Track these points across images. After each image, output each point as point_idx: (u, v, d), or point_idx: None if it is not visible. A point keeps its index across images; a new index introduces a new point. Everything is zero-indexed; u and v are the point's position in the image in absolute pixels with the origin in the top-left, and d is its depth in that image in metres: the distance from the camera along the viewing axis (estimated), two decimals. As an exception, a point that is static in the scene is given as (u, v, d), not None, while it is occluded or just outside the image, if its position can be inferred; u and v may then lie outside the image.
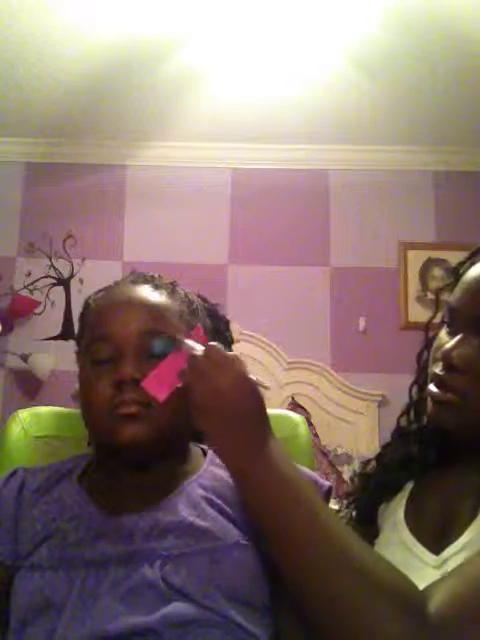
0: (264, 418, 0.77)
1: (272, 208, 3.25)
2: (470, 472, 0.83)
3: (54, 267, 3.11)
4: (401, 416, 0.95)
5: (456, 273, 0.88)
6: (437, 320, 0.91)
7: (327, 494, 0.88)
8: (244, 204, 3.27)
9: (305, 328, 3.12)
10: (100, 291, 0.96)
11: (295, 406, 2.92)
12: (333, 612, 0.69)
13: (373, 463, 0.96)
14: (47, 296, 3.10)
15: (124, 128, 3.13)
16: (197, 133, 3.12)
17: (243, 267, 3.21)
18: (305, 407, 2.94)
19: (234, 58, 2.59)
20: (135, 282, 0.93)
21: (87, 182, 3.26)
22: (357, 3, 2.30)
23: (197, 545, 0.80)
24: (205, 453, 0.94)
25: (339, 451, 2.90)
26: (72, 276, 3.10)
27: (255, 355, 3.01)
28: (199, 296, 1.01)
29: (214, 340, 1.00)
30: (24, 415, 1.10)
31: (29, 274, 3.11)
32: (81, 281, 3.05)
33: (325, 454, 2.86)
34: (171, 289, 0.94)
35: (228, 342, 1.08)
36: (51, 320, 3.05)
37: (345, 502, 0.97)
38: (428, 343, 0.91)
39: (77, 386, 0.91)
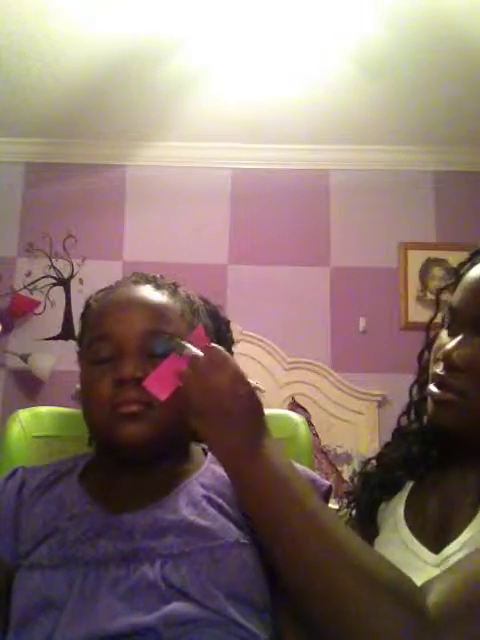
0: (260, 417, 0.78)
1: (272, 208, 3.25)
2: (470, 471, 0.83)
3: (54, 267, 3.10)
4: (402, 416, 0.95)
5: (457, 273, 0.88)
6: (438, 320, 0.91)
7: (327, 493, 0.88)
8: (244, 204, 3.27)
9: (305, 328, 3.12)
10: (101, 291, 0.97)
11: (295, 406, 2.92)
12: (332, 610, 0.69)
13: (373, 462, 0.96)
14: (47, 296, 3.10)
15: (124, 128, 3.13)
16: (197, 133, 3.12)
17: (243, 267, 3.21)
18: (305, 407, 2.94)
19: (234, 58, 2.59)
20: (137, 282, 0.94)
21: (87, 182, 3.26)
22: (357, 3, 2.30)
23: (197, 544, 0.80)
24: (206, 452, 0.94)
25: (339, 451, 2.90)
26: (72, 276, 3.10)
27: (255, 355, 3.01)
28: (200, 297, 1.02)
29: (215, 341, 1.01)
30: (24, 415, 1.10)
31: (29, 274, 3.11)
32: (81, 281, 3.05)
33: (325, 454, 2.86)
34: (172, 289, 0.94)
35: (229, 343, 1.08)
36: (51, 320, 3.05)
37: (345, 501, 0.98)
38: (429, 343, 0.91)
39: (78, 386, 0.91)
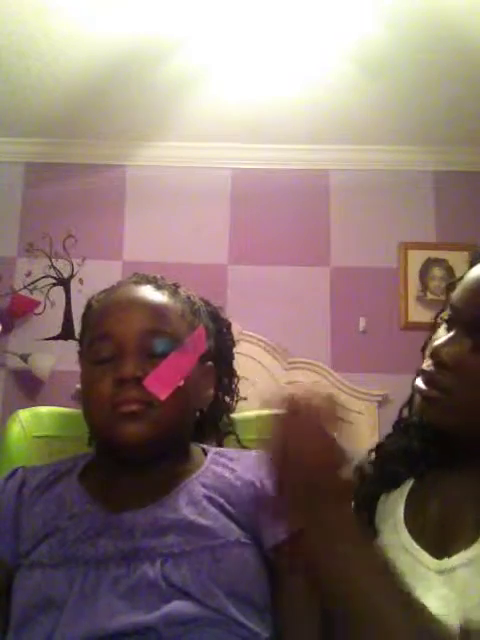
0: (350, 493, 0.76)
1: (272, 208, 3.25)
2: (473, 475, 0.83)
3: (54, 267, 3.10)
4: (403, 407, 0.95)
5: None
6: (445, 316, 0.91)
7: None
8: (244, 204, 3.27)
9: (305, 328, 3.12)
10: (103, 291, 0.97)
11: (295, 406, 2.92)
12: None
13: (372, 454, 0.96)
14: (47, 296, 3.10)
15: (124, 128, 3.12)
16: (197, 133, 3.12)
17: (243, 267, 3.21)
18: (305, 407, 2.94)
19: (234, 58, 2.59)
20: (137, 282, 0.94)
21: (87, 182, 3.26)
22: (357, 3, 2.30)
23: (198, 543, 0.80)
24: (205, 452, 0.94)
25: (339, 451, 2.90)
26: (72, 276, 3.10)
27: (255, 355, 3.01)
28: (201, 298, 1.02)
29: (216, 342, 1.01)
30: (24, 415, 1.10)
31: (29, 274, 3.11)
32: (81, 281, 3.05)
33: (325, 454, 2.86)
34: (173, 290, 0.94)
35: (230, 344, 1.08)
36: (51, 320, 3.05)
37: None
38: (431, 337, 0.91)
39: (78, 386, 0.91)
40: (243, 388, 1.11)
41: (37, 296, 3.10)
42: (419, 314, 3.06)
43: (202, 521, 0.82)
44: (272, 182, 3.26)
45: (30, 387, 3.05)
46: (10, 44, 2.53)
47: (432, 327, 0.92)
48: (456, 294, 0.85)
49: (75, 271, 3.10)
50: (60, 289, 3.10)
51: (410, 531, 0.83)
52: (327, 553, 0.71)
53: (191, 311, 0.94)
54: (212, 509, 0.83)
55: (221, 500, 0.85)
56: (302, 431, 0.69)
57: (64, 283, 3.10)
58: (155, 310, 0.89)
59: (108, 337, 0.87)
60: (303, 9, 2.31)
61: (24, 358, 2.98)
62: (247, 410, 1.14)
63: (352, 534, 0.73)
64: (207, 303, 1.04)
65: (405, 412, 0.94)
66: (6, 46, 2.54)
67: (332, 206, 3.27)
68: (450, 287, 0.90)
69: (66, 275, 3.11)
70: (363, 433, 2.94)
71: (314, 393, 0.71)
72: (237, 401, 1.10)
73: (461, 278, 0.87)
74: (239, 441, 1.05)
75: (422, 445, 0.90)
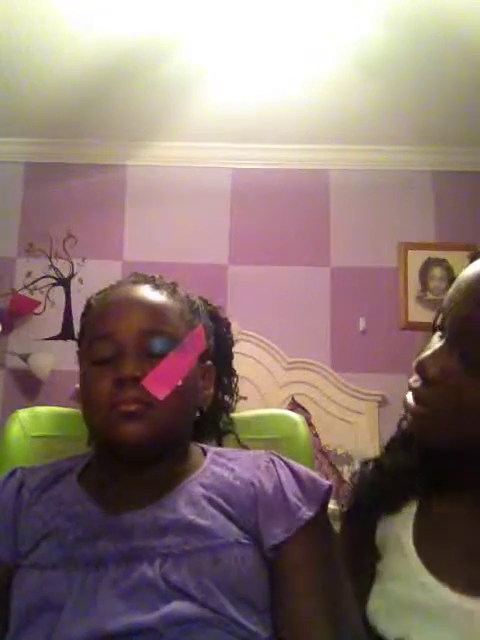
0: None
1: (272, 208, 3.25)
2: None
3: (54, 267, 3.11)
4: (402, 420, 0.91)
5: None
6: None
7: (327, 493, 0.88)
8: (244, 204, 3.27)
9: (305, 328, 3.12)
10: (102, 291, 0.97)
11: (295, 406, 2.92)
12: None
13: (372, 467, 0.93)
14: (47, 296, 3.10)
15: (124, 128, 3.12)
16: (197, 133, 3.12)
17: (243, 267, 3.21)
18: (305, 407, 2.94)
19: (234, 58, 2.59)
20: (136, 282, 0.94)
21: (87, 182, 3.26)
22: (357, 3, 2.30)
23: (197, 543, 0.80)
24: (205, 452, 0.94)
25: (339, 451, 2.90)
26: (72, 276, 3.10)
27: (255, 355, 3.01)
28: (200, 298, 1.02)
29: (215, 342, 1.01)
30: (23, 415, 1.10)
31: (29, 274, 3.11)
32: (81, 281, 3.05)
33: (325, 454, 2.86)
34: (172, 289, 0.94)
35: (229, 344, 1.08)
36: (51, 320, 3.05)
37: (342, 504, 0.96)
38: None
39: (78, 386, 0.91)
40: (243, 388, 1.11)
41: (37, 296, 3.10)
42: (419, 314, 3.06)
43: (201, 521, 0.81)
44: (272, 182, 3.26)
45: (30, 387, 3.05)
46: (10, 44, 2.53)
47: (432, 330, 0.91)
48: (445, 298, 0.82)
49: (75, 271, 3.11)
50: (60, 289, 3.10)
51: (427, 565, 0.78)
52: None
53: (190, 310, 0.93)
54: (211, 509, 0.83)
55: (220, 500, 0.84)
56: None
57: (64, 283, 3.10)
58: (154, 310, 0.89)
59: (107, 337, 0.87)
60: (303, 9, 2.31)
61: (24, 358, 2.98)
62: (247, 410, 1.14)
63: None
64: (206, 302, 1.03)
65: (404, 425, 0.89)
66: (6, 46, 2.54)
67: (332, 206, 3.27)
68: (449, 287, 0.88)
69: (66, 275, 3.11)
70: (363, 433, 2.95)
71: None
72: (237, 401, 1.10)
73: (454, 279, 0.84)
74: (239, 441, 1.05)
75: (422, 463, 0.86)
